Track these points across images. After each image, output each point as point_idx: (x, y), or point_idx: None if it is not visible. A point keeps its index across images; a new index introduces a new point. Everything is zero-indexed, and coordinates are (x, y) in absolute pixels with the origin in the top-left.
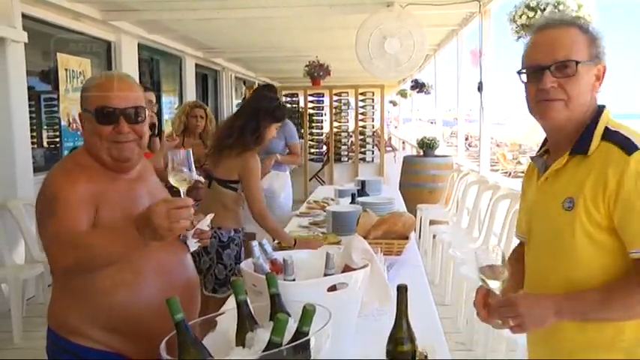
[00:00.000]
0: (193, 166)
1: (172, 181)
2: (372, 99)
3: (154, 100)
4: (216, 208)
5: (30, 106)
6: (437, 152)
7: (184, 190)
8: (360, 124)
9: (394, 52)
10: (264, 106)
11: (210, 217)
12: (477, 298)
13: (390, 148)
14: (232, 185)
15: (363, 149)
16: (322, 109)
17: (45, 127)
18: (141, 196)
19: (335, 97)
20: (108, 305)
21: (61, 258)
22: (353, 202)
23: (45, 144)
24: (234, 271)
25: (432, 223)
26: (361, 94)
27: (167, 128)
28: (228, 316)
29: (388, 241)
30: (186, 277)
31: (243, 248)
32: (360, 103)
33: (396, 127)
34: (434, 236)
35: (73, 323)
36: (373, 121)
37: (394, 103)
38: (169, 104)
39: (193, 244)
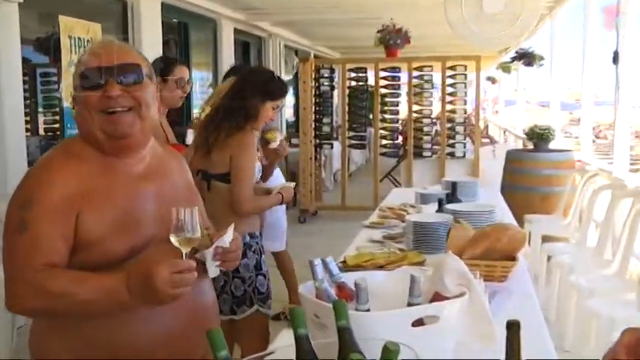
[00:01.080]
0: (198, 225)
1: (174, 241)
2: (464, 75)
3: (187, 77)
4: (223, 211)
5: (24, 82)
6: (552, 146)
7: (187, 252)
8: (448, 107)
9: (495, 11)
10: (251, 80)
11: (231, 229)
12: (621, 341)
13: (488, 140)
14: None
15: (451, 141)
16: (398, 88)
17: (42, 109)
18: (144, 201)
19: (415, 73)
20: (95, 338)
21: (25, 300)
22: (440, 209)
23: (42, 131)
24: (254, 285)
25: (545, 239)
26: (449, 68)
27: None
28: (282, 355)
29: (489, 263)
30: (201, 303)
31: (262, 255)
32: (449, 81)
33: (495, 112)
34: (549, 257)
35: (55, 356)
36: (465, 104)
37: (493, 81)
38: (201, 81)
39: (214, 269)
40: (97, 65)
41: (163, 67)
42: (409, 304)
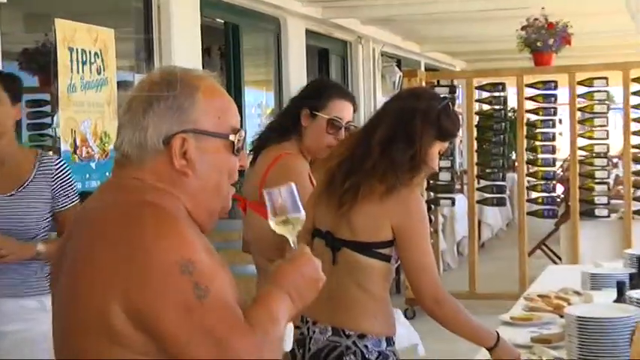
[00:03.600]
0: (300, 203)
1: (276, 229)
2: None
3: (348, 118)
4: (350, 296)
5: None
6: None
7: (294, 239)
8: (635, 140)
9: None
10: (421, 107)
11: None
12: None
13: None
14: (381, 251)
15: None
16: (554, 114)
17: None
18: None
19: (581, 89)
20: None
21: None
22: (621, 298)
23: None
24: None
25: None
26: (636, 80)
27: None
28: None
29: None
30: None
31: None
32: (635, 100)
33: None
34: None
35: None
36: None
37: None
38: (256, 103)
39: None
40: None
41: (315, 96)
42: None
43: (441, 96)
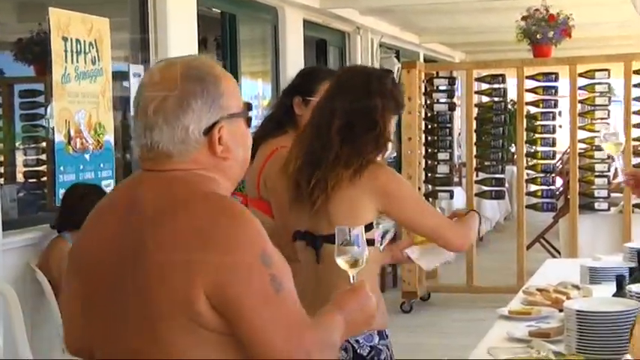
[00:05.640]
0: (366, 243)
1: (341, 263)
2: None
3: None
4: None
5: None
6: None
7: (355, 274)
8: (636, 133)
9: None
10: (375, 87)
11: None
12: None
13: None
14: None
15: None
16: (554, 106)
17: (23, 144)
18: None
19: (582, 82)
20: None
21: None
22: (620, 292)
23: (21, 176)
24: None
25: None
26: (637, 72)
27: None
28: None
29: None
30: None
31: None
32: (636, 92)
33: None
34: None
35: None
36: None
37: None
38: (253, 94)
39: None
40: None
41: (303, 83)
42: None
43: (383, 69)
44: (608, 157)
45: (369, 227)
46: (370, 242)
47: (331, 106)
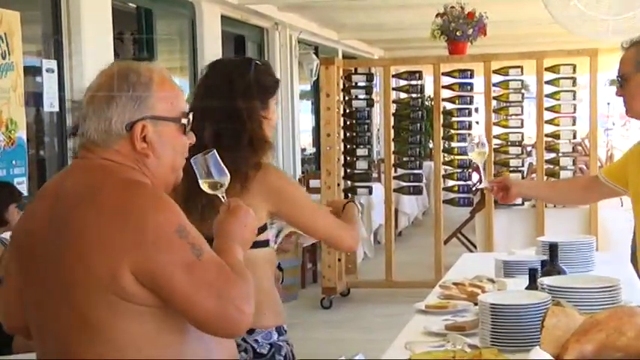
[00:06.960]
0: (222, 165)
1: (208, 190)
2: (573, 79)
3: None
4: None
5: None
6: None
7: (223, 194)
8: (548, 129)
9: None
10: (237, 85)
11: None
12: None
13: None
14: (260, 239)
15: (553, 180)
16: (470, 102)
17: None
18: None
19: (496, 78)
20: None
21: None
22: (533, 285)
23: None
24: None
25: None
26: (549, 69)
27: None
28: None
29: None
30: None
31: (294, 356)
32: (549, 89)
33: (626, 131)
34: None
35: None
36: (574, 123)
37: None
38: None
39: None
40: None
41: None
42: None
43: (240, 58)
44: (522, 152)
45: (262, 229)
46: (265, 243)
47: (201, 113)
